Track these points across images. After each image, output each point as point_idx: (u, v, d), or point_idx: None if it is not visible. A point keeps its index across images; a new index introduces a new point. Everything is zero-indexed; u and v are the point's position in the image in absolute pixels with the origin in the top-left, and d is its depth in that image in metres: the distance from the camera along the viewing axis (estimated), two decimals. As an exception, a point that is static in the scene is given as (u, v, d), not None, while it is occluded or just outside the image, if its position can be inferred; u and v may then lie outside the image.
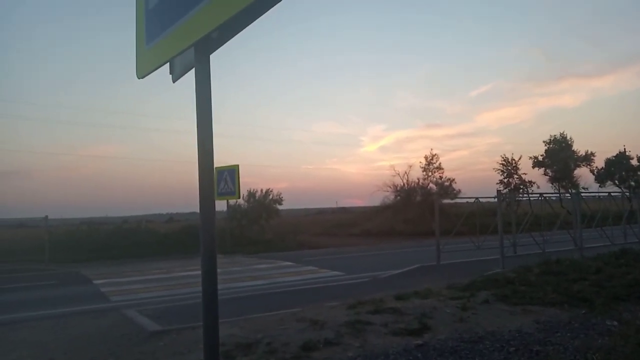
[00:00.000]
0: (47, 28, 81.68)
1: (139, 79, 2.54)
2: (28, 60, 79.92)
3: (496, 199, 12.23)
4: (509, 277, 8.22)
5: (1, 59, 73.29)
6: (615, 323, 5.38)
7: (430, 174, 31.52)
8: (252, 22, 1.92)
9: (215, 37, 2.09)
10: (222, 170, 19.43)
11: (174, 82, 2.61)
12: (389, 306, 6.46)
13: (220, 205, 20.59)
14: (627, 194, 20.08)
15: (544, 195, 13.61)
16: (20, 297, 9.83)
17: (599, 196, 15.02)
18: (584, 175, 35.69)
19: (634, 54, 77.78)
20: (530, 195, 18.16)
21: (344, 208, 58.29)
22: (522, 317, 5.75)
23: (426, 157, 31.88)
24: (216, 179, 19.46)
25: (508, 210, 13.89)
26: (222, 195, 19.41)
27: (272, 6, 1.73)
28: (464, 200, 16.89)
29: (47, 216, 18.00)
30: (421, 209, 27.90)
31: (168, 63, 2.56)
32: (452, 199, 28.67)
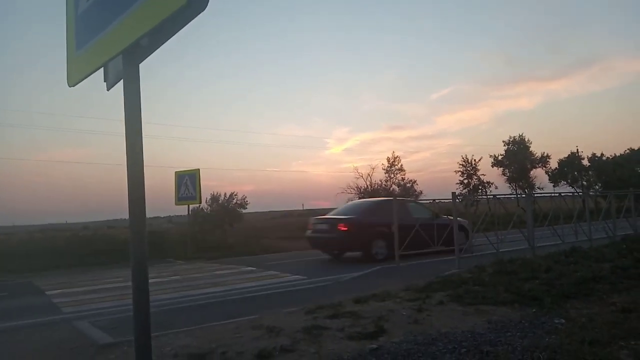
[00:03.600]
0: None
1: (70, 86, 2.45)
2: (-23, 61, 76.45)
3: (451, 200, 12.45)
4: (464, 277, 8.39)
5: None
6: (563, 321, 5.56)
7: (392, 175, 32.03)
8: (181, 28, 1.87)
9: (145, 44, 2.03)
10: (182, 174, 19.12)
11: (108, 90, 2.53)
12: (347, 310, 6.47)
13: (182, 210, 20.25)
14: (579, 193, 20.93)
15: (498, 196, 13.98)
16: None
17: (552, 196, 15.54)
18: (539, 175, 37.04)
19: (586, 59, 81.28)
20: (487, 195, 18.69)
21: (310, 210, 58.35)
22: (475, 318, 5.87)
23: (388, 159, 32.44)
24: (177, 184, 19.14)
25: (466, 210, 14.22)
26: (183, 200, 19.10)
27: (197, 14, 1.70)
28: (425, 202, 17.17)
29: (-4, 225, 17.22)
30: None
31: (102, 70, 2.49)
32: (413, 200, 29.14)
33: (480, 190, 33.77)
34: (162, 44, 1.96)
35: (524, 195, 18.20)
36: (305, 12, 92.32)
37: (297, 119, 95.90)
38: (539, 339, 4.91)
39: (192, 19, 1.72)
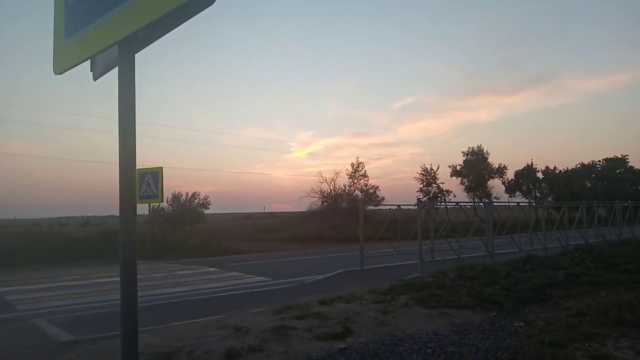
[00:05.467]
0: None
1: (56, 74, 2.40)
2: None
3: (416, 207, 12.74)
4: (427, 281, 8.60)
5: None
6: (522, 324, 5.81)
7: (356, 181, 32.32)
8: (181, 23, 1.88)
9: (141, 36, 2.03)
10: (144, 172, 18.67)
11: (95, 79, 2.50)
12: (314, 311, 6.52)
13: (142, 208, 19.77)
14: (533, 204, 21.77)
15: (460, 204, 14.38)
16: None
17: (509, 206, 16.12)
18: (496, 186, 38.21)
19: (541, 75, 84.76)
20: (447, 203, 19.20)
21: (271, 213, 58.11)
22: (439, 320, 6.04)
23: (352, 165, 32.70)
24: (138, 182, 18.67)
25: (427, 217, 14.56)
26: (144, 198, 18.65)
27: (203, 9, 1.71)
28: (387, 207, 17.47)
29: (-58, 218, 16.30)
30: (347, 215, 28.47)
31: (89, 60, 2.45)
32: (376, 205, 29.60)
33: (439, 198, 34.53)
34: (162, 36, 1.96)
35: (482, 205, 18.79)
36: (270, 15, 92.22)
37: (260, 122, 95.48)
38: (500, 341, 5.11)
39: (197, 13, 1.73)
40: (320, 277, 11.41)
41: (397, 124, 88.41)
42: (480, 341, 5.13)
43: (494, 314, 6.32)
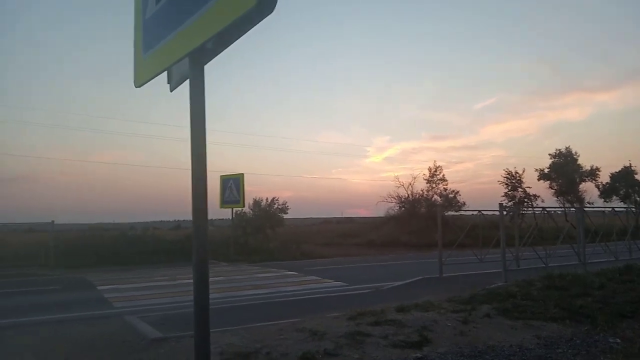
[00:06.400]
0: (52, 35, 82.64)
1: (136, 87, 2.56)
2: (36, 66, 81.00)
3: (499, 212, 12.15)
4: (511, 291, 8.14)
5: (9, 66, 74.22)
6: (618, 340, 5.31)
7: (434, 185, 31.45)
8: (246, 32, 1.93)
9: (210, 47, 2.11)
10: (227, 178, 19.51)
11: (171, 91, 2.64)
12: (390, 318, 6.41)
13: (226, 213, 20.64)
14: (632, 209, 19.90)
15: (547, 209, 13.51)
16: (25, 302, 9.86)
17: (604, 211, 14.88)
18: (589, 189, 35.43)
19: (638, 70, 77.51)
20: (534, 208, 18.06)
21: (349, 218, 58.20)
22: (523, 332, 5.69)
23: (430, 169, 31.86)
24: (221, 188, 19.55)
25: (512, 223, 13.82)
26: (227, 203, 19.48)
27: (263, 18, 1.74)
28: (469, 213, 16.82)
29: (53, 221, 18.10)
30: (425, 220, 27.82)
31: (166, 72, 2.60)
32: (456, 211, 28.60)
33: (526, 203, 32.62)
34: (228, 46, 2.03)
35: (573, 210, 17.50)
36: (344, 19, 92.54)
37: (337, 127, 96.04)
38: (593, 357, 4.71)
39: (259, 21, 1.77)
40: (397, 283, 11.22)
41: (478, 125, 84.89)
42: (570, 357, 4.76)
43: (585, 328, 5.84)
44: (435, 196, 31.36)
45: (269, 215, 26.24)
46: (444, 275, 12.03)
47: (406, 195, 31.70)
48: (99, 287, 11.55)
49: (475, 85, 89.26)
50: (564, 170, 34.17)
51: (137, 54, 2.56)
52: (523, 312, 6.58)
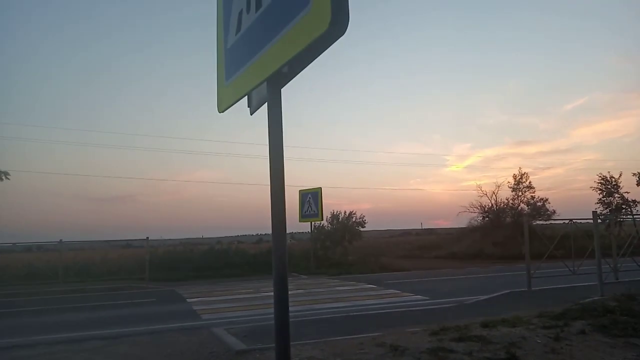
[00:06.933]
0: (156, 71, 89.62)
1: (219, 112, 2.74)
2: (138, 99, 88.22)
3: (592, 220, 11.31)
4: (609, 305, 7.53)
5: (109, 97, 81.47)
6: None
7: (520, 193, 29.92)
8: (320, 54, 2.01)
9: (285, 71, 2.22)
10: (305, 193, 19.89)
11: (251, 114, 2.79)
12: (474, 334, 6.18)
13: (305, 227, 21.02)
14: None
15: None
16: (122, 314, 10.66)
17: None
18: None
19: None
20: (634, 215, 16.58)
21: (429, 229, 56.89)
22: (624, 351, 5.25)
23: (514, 177, 30.38)
24: (300, 202, 19.96)
25: (608, 232, 12.79)
26: (306, 217, 19.84)
27: (336, 40, 1.81)
28: (559, 222, 15.81)
29: (148, 237, 19.43)
30: (511, 230, 26.51)
31: (246, 97, 2.76)
32: (545, 220, 26.98)
33: (624, 210, 30.01)
34: (303, 69, 2.14)
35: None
36: (419, 25, 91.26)
37: (414, 137, 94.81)
38: None
39: (332, 44, 1.84)
40: (482, 297, 10.78)
41: (569, 128, 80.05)
42: (681, 380, 4.32)
43: (700, 348, 5.27)
44: (522, 205, 29.85)
45: (347, 228, 26.34)
46: (533, 288, 11.38)
47: (490, 204, 30.51)
48: (188, 300, 12.19)
49: (563, 86, 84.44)
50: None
51: (219, 81, 2.75)
52: (623, 329, 6.07)
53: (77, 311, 11.18)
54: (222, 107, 2.70)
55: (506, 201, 30.24)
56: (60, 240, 18.59)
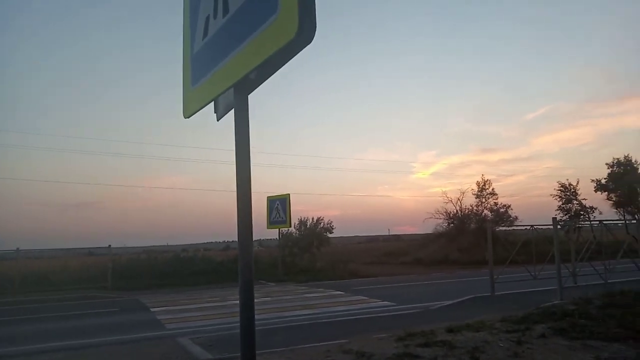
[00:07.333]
0: (127, 80, 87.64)
1: (185, 118, 2.71)
2: (93, 99, 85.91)
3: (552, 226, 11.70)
4: (568, 309, 7.78)
5: (74, 101, 79.23)
6: (689, 362, 4.98)
7: (484, 200, 30.64)
8: (287, 62, 2.01)
9: (253, 77, 2.22)
10: (273, 199, 19.80)
11: (218, 120, 2.76)
12: (440, 339, 6.27)
13: (273, 233, 20.91)
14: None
15: (605, 222, 12.88)
16: (84, 324, 10.31)
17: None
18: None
19: None
20: (591, 221, 17.24)
21: (396, 235, 57.53)
22: (582, 353, 5.43)
23: (478, 184, 31.11)
24: (268, 208, 19.85)
25: (567, 238, 13.26)
26: (274, 224, 19.74)
27: (303, 48, 1.82)
28: (521, 228, 16.26)
29: (110, 245, 18.91)
30: (475, 236, 27.08)
31: (212, 103, 2.74)
32: (508, 226, 27.69)
33: (582, 216, 31.13)
34: (270, 76, 2.13)
35: (634, 221, 16.58)
36: (388, 33, 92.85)
37: (382, 144, 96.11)
38: (660, 381, 4.43)
39: (299, 51, 1.85)
40: (447, 302, 10.96)
41: (530, 136, 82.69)
42: (635, 380, 4.50)
43: (652, 348, 5.50)
44: (486, 211, 30.56)
45: (315, 234, 26.34)
46: (496, 293, 11.65)
47: (455, 210, 31.09)
48: (152, 309, 11.91)
49: (526, 95, 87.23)
50: (624, 180, 32.46)
51: (185, 87, 2.72)
52: (581, 331, 6.27)
53: (36, 322, 10.75)
54: (188, 112, 2.66)
55: (470, 207, 30.93)
56: (17, 248, 17.88)
